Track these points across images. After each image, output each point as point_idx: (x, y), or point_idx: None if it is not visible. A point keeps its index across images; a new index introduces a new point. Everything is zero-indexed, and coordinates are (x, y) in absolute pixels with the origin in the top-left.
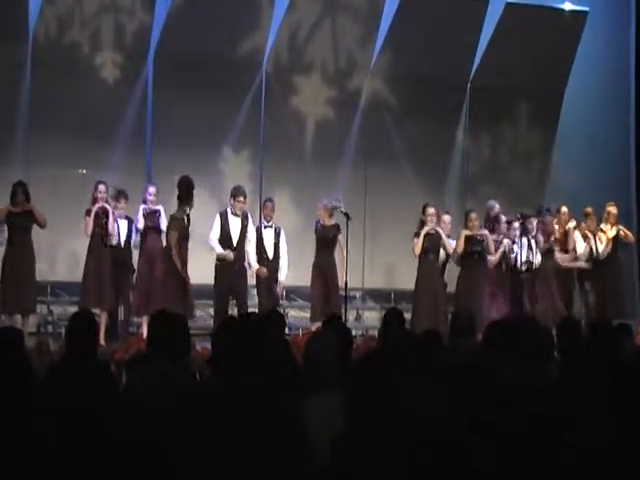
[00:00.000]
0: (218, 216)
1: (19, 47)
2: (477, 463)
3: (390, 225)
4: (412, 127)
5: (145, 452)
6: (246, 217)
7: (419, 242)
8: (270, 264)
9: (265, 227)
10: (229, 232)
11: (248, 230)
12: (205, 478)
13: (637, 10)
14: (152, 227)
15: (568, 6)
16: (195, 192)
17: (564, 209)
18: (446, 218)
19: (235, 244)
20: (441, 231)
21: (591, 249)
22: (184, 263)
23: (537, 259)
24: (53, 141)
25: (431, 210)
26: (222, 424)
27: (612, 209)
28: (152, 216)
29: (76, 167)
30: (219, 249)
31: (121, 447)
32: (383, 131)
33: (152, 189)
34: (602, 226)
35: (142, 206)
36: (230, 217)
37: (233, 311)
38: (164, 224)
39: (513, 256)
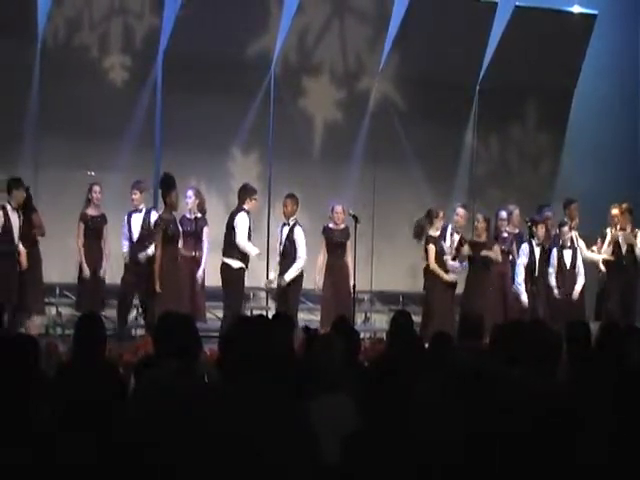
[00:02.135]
0: (245, 215)
1: (28, 49)
2: (485, 466)
3: (398, 227)
4: (420, 129)
5: (152, 453)
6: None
7: (432, 252)
8: (284, 262)
9: (284, 224)
10: (251, 232)
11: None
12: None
13: None
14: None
15: (577, 9)
16: (204, 193)
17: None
18: (461, 211)
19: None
20: (447, 249)
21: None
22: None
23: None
24: (61, 143)
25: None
26: (229, 427)
27: (614, 211)
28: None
29: (84, 169)
30: (255, 251)
31: (128, 449)
32: (391, 133)
33: (190, 192)
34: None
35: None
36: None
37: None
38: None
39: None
